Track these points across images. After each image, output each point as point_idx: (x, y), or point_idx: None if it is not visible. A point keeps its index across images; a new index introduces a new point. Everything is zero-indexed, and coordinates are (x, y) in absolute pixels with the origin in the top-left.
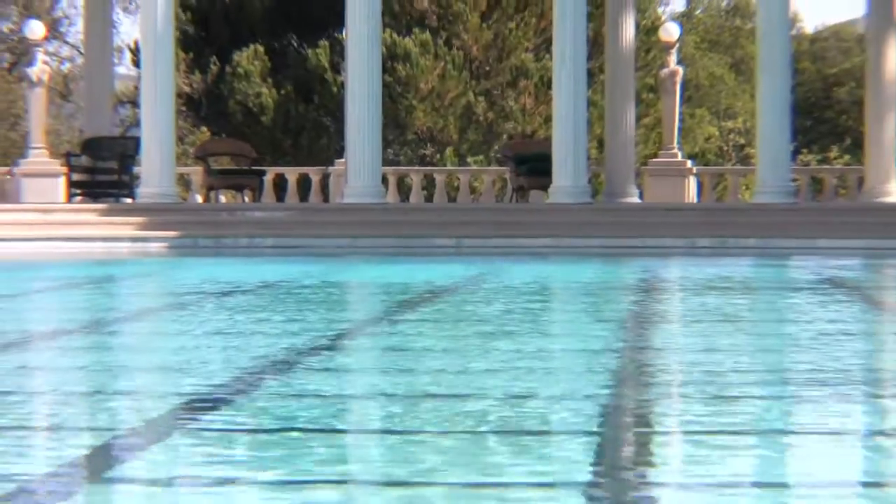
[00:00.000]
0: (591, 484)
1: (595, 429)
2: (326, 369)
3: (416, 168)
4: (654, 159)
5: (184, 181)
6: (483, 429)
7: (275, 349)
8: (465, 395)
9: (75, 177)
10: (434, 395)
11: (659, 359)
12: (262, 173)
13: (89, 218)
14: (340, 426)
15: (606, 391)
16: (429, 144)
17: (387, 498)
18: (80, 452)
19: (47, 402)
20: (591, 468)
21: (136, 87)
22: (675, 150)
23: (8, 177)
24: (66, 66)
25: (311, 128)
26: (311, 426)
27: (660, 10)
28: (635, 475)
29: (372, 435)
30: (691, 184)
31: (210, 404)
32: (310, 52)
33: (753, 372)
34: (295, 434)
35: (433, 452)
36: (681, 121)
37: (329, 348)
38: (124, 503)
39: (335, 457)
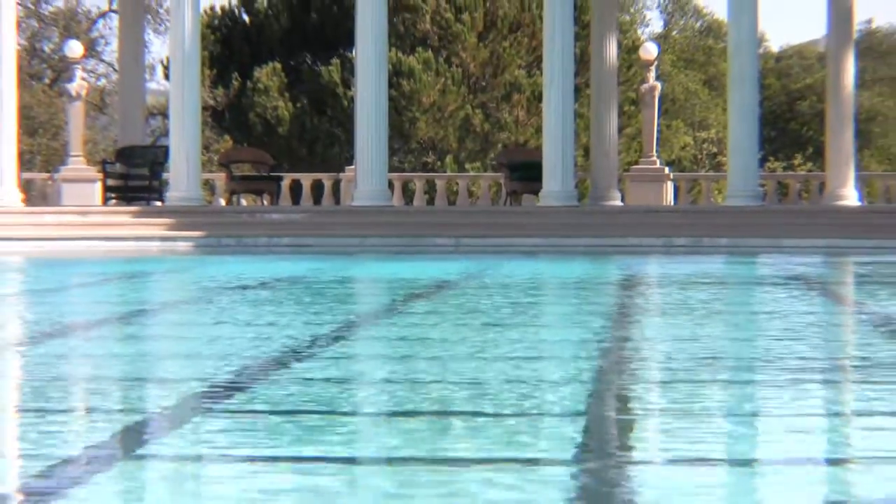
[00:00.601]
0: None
1: (578, 404)
2: (344, 355)
3: (419, 174)
4: (634, 166)
5: (209, 186)
6: (477, 404)
7: (296, 337)
8: (465, 377)
9: (110, 182)
10: (437, 380)
11: (635, 345)
12: (280, 179)
13: (123, 219)
14: (354, 407)
15: (586, 371)
16: (430, 152)
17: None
18: (127, 427)
19: (89, 384)
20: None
21: (166, 101)
22: (654, 158)
23: (49, 182)
24: (102, 82)
25: (323, 138)
26: (340, 402)
27: (640, 31)
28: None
29: (384, 415)
30: (668, 188)
31: (237, 387)
32: (323, 69)
33: (721, 357)
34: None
35: (438, 429)
36: (659, 131)
37: (343, 336)
38: (159, 477)
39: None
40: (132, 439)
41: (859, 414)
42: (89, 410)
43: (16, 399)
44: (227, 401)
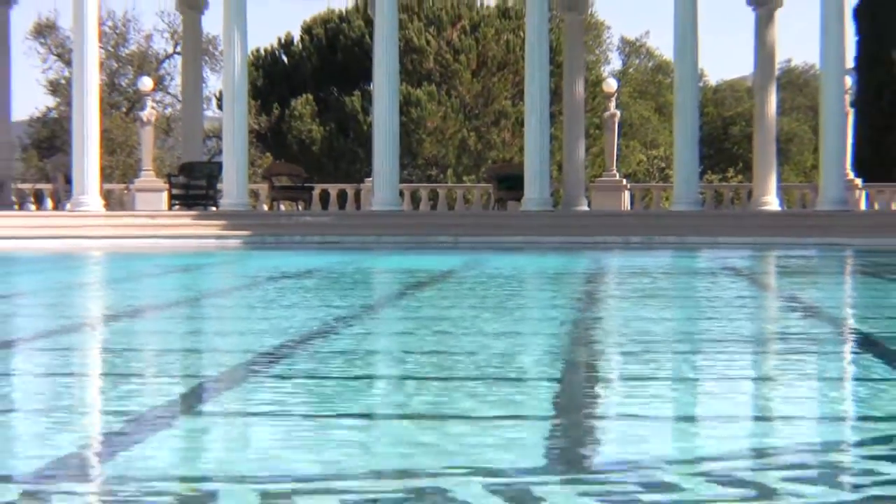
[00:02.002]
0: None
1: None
2: (367, 330)
3: (424, 185)
4: (598, 178)
5: (254, 194)
6: (470, 369)
7: (327, 315)
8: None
9: (174, 191)
10: (440, 350)
11: (597, 321)
12: (311, 188)
13: (184, 222)
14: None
15: (554, 337)
16: (433, 167)
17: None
18: (191, 388)
19: (160, 354)
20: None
21: (220, 126)
22: (614, 172)
23: (126, 192)
24: (168, 111)
25: (347, 155)
26: (368, 366)
27: (602, 68)
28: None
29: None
30: (626, 196)
31: (281, 355)
32: (346, 99)
33: (667, 330)
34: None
35: (443, 390)
36: (618, 150)
37: (366, 313)
38: (217, 428)
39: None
40: (196, 398)
41: (770, 376)
42: (160, 374)
43: (102, 365)
44: (273, 366)
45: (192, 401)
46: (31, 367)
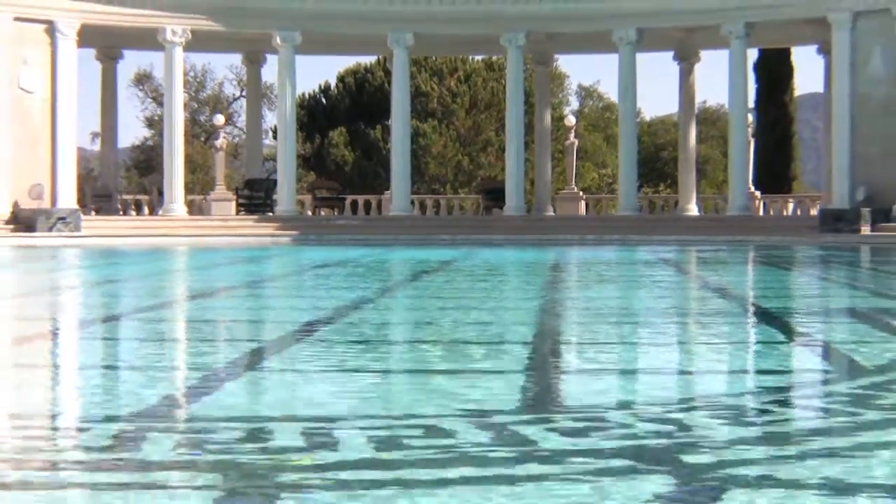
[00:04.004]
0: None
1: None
2: (389, 305)
3: (430, 196)
4: (561, 191)
5: (300, 203)
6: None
7: (356, 293)
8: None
9: (240, 201)
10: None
11: (561, 296)
12: (344, 199)
13: (248, 224)
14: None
15: (527, 310)
16: (436, 183)
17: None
18: (252, 349)
19: (226, 324)
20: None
21: (275, 151)
22: (573, 186)
23: (204, 201)
24: (236, 140)
25: (371, 174)
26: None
27: (565, 107)
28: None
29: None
30: (582, 205)
31: (322, 323)
32: (370, 131)
33: (613, 304)
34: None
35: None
36: (576, 170)
37: (387, 292)
38: (273, 381)
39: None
40: (256, 356)
41: (687, 342)
42: (227, 341)
43: (182, 334)
44: (315, 332)
45: (255, 358)
46: (135, 333)
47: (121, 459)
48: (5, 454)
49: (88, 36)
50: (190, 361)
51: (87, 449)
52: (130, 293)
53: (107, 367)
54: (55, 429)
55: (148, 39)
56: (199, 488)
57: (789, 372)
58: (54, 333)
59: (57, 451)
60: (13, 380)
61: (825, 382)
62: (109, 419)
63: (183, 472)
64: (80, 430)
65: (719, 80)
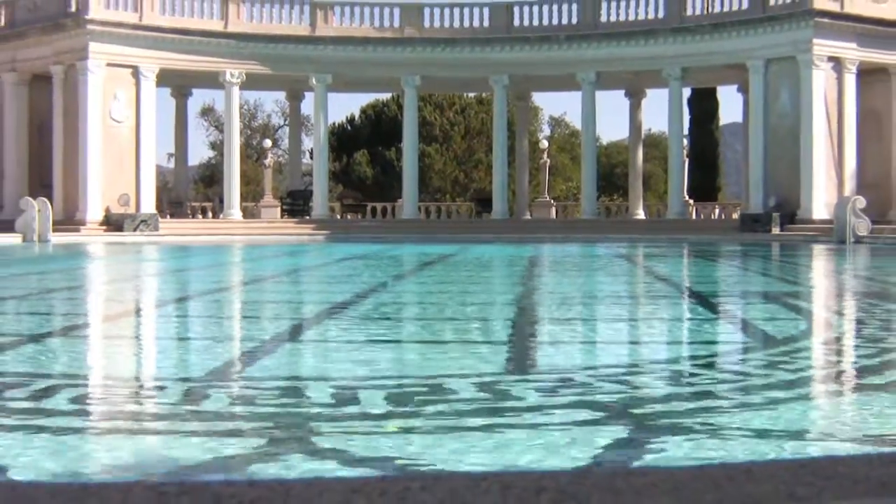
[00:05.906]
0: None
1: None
2: (402, 288)
3: (433, 203)
4: (537, 199)
5: (331, 209)
6: (459, 316)
7: (376, 280)
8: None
9: (284, 207)
10: (438, 303)
11: (538, 282)
12: (366, 206)
13: (290, 224)
14: (404, 316)
15: (508, 294)
16: (438, 193)
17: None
18: (291, 325)
19: (269, 305)
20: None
21: (311, 168)
22: (546, 196)
23: (255, 207)
24: (281, 159)
25: (387, 186)
26: (404, 312)
27: (539, 133)
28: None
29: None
30: (553, 210)
31: (348, 304)
32: (387, 153)
33: (578, 287)
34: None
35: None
36: (548, 183)
37: (401, 278)
38: (308, 351)
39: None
40: (294, 331)
41: (628, 319)
42: (271, 319)
43: (236, 313)
44: (343, 311)
45: (294, 332)
46: (200, 311)
47: (192, 412)
48: (107, 406)
49: (165, 77)
50: (242, 333)
51: (164, 404)
52: (200, 279)
53: (181, 338)
54: (144, 387)
55: (212, 80)
56: (255, 433)
57: (715, 343)
58: (141, 310)
59: (140, 406)
60: (112, 347)
61: (745, 350)
62: (183, 380)
63: (242, 421)
64: (159, 388)
65: (661, 112)
